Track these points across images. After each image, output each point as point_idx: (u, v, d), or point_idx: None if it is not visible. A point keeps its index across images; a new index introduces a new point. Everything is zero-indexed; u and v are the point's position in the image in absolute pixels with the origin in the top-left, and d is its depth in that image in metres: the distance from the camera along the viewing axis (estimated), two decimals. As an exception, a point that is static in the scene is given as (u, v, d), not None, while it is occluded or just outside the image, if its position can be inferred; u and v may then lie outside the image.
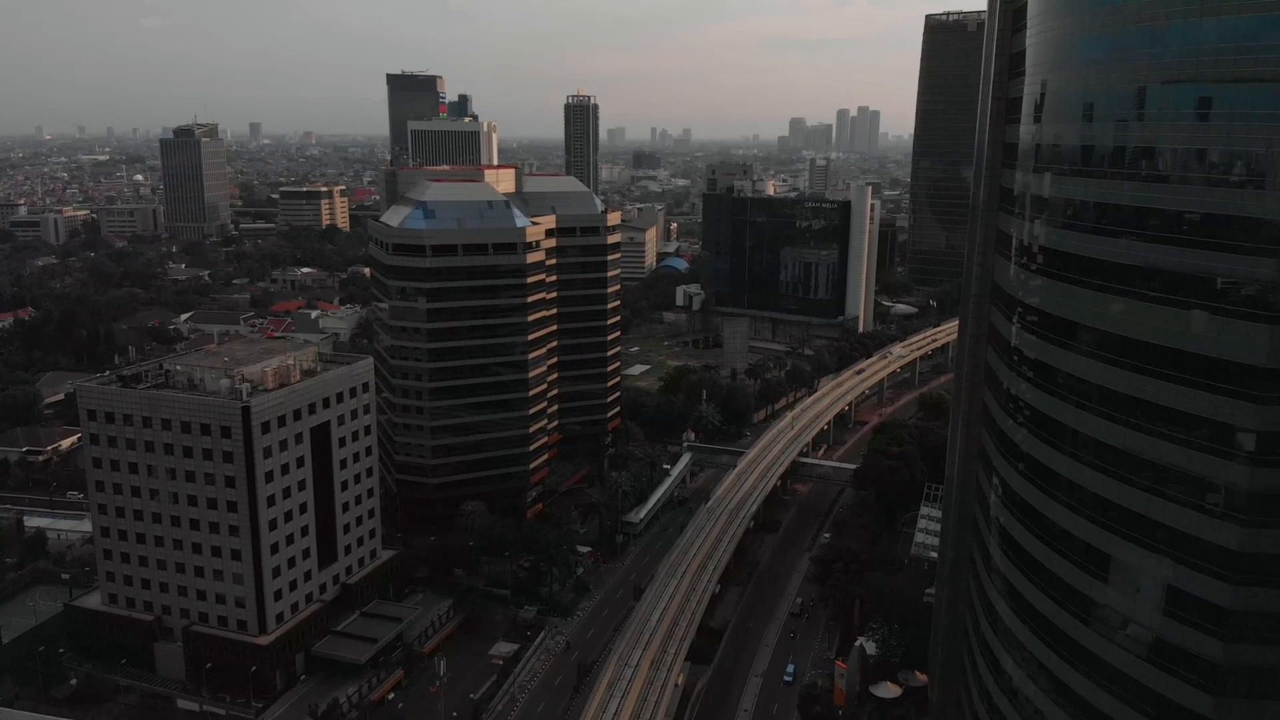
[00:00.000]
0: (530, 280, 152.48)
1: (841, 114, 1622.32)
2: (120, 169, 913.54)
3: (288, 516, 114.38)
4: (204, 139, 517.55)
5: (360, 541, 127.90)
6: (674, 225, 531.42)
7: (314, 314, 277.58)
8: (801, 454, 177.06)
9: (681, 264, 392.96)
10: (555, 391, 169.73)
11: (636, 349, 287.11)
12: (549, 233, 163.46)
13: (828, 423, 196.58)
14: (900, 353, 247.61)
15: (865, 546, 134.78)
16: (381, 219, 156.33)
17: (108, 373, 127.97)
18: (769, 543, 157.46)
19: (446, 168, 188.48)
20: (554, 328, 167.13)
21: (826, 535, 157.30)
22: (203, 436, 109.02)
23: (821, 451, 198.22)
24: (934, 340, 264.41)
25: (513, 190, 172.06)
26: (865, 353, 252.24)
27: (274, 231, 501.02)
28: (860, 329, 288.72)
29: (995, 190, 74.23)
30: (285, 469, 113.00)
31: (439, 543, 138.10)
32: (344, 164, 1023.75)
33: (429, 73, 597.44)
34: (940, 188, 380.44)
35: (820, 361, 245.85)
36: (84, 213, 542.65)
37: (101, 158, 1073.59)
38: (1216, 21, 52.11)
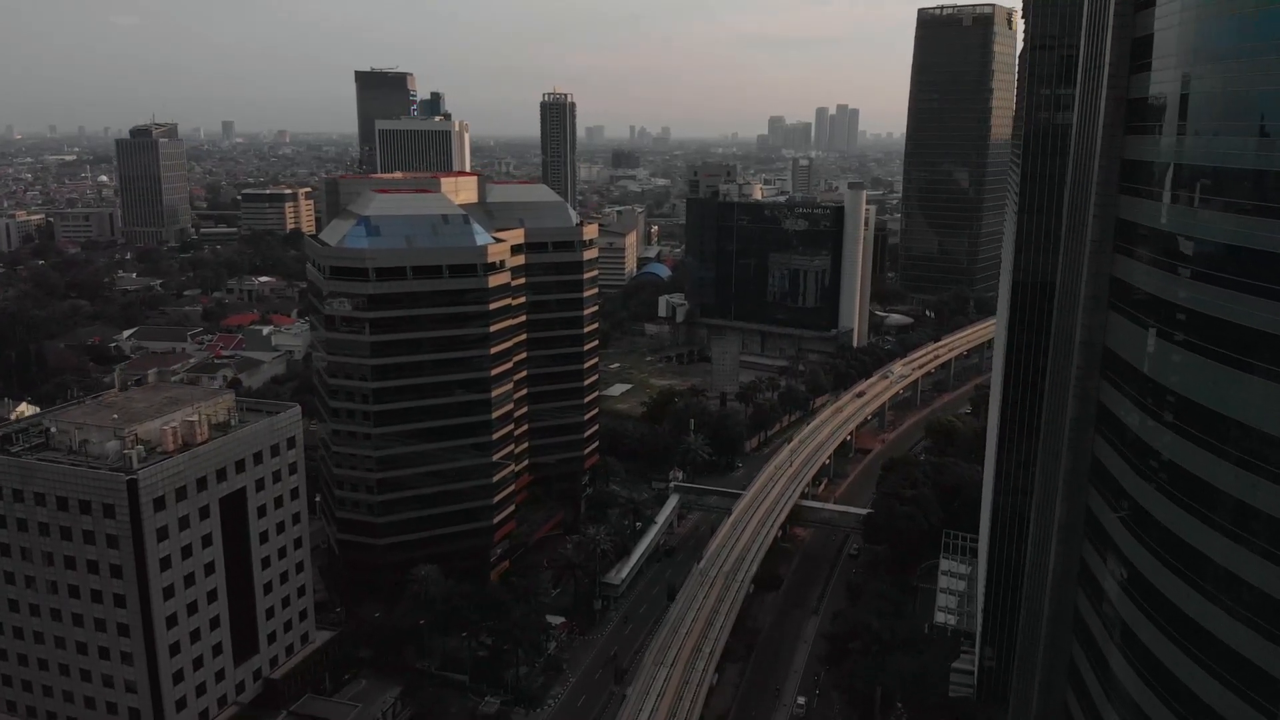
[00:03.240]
0: (493, 306, 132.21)
1: (820, 112, 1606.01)
2: (86, 169, 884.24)
3: (191, 608, 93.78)
4: (162, 139, 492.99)
5: (288, 626, 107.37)
6: (655, 228, 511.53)
7: (266, 330, 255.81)
8: (803, 495, 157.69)
9: (664, 270, 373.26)
10: (525, 428, 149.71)
11: (617, 365, 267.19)
12: (516, 249, 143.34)
13: (829, 456, 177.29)
14: (902, 371, 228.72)
15: (886, 622, 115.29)
16: (320, 235, 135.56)
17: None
18: (769, 604, 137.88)
19: (399, 175, 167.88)
20: (523, 355, 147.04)
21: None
22: (83, 515, 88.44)
23: (822, 486, 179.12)
24: (936, 357, 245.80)
25: (475, 201, 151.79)
26: (863, 370, 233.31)
27: (235, 236, 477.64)
28: (855, 342, 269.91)
29: (1109, 223, 54.72)
30: (187, 551, 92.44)
31: (385, 619, 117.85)
32: (316, 163, 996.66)
33: (399, 70, 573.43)
34: (933, 189, 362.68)
35: (815, 381, 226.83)
36: (39, 217, 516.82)
37: (69, 158, 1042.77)
38: None
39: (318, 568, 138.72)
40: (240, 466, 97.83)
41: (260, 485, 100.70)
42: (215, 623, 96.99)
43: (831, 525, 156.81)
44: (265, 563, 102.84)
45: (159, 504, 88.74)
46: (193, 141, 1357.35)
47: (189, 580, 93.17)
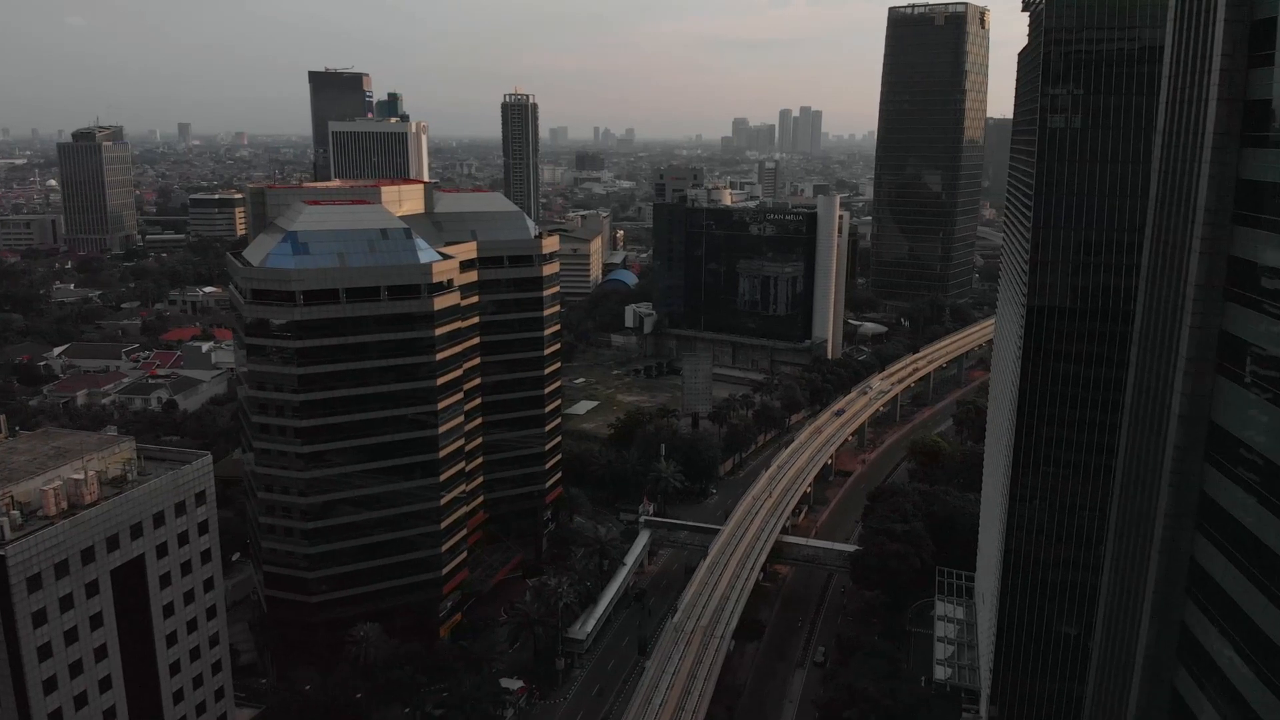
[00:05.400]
0: (440, 331, 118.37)
1: (784, 114, 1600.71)
2: (35, 174, 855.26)
3: (80, 701, 79.31)
4: (106, 143, 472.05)
5: (200, 709, 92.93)
6: (620, 232, 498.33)
7: (206, 347, 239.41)
8: (784, 530, 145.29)
9: (630, 278, 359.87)
10: (479, 461, 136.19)
11: (582, 380, 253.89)
12: (467, 264, 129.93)
13: (810, 484, 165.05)
14: (881, 386, 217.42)
15: (882, 685, 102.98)
16: (244, 253, 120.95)
17: None
18: (750, 656, 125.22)
19: (335, 184, 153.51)
20: (477, 382, 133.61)
21: (821, 653, 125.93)
22: (-60, 598, 74.02)
23: (803, 516, 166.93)
24: (916, 370, 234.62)
25: (421, 211, 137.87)
26: (840, 385, 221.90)
27: (183, 243, 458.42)
28: (829, 354, 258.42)
29: (1219, 262, 42.46)
30: (72, 635, 77.96)
31: (318, 691, 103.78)
32: (274, 166, 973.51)
33: (355, 70, 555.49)
34: (905, 192, 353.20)
35: (791, 397, 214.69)
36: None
37: (18, 162, 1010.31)
38: None
39: (247, 623, 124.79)
40: (137, 531, 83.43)
41: (163, 551, 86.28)
42: (110, 715, 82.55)
43: (815, 563, 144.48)
44: (171, 639, 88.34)
45: (34, 583, 74.34)
46: (148, 144, 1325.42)
47: (75, 669, 78.72)
